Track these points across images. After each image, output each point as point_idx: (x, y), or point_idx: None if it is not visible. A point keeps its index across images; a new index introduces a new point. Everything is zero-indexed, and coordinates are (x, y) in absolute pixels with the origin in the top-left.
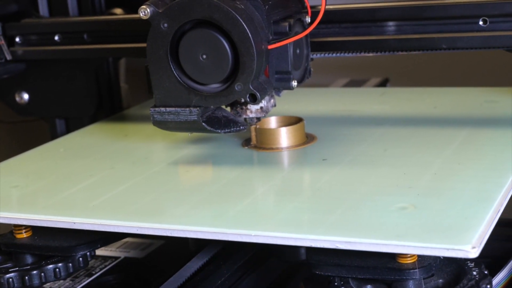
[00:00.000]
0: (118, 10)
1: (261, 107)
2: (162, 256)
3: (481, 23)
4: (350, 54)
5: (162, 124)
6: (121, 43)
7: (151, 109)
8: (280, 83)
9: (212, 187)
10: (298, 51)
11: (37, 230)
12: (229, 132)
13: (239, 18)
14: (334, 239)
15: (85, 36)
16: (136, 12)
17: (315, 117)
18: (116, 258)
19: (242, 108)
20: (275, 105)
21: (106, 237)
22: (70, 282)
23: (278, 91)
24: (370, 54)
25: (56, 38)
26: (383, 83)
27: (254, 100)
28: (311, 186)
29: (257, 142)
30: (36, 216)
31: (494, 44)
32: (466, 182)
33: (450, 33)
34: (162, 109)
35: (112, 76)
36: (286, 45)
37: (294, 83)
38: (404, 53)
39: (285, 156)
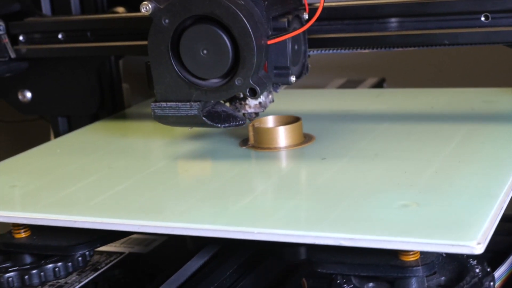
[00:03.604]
0: (120, 9)
1: (260, 102)
2: (166, 251)
3: (483, 18)
4: (351, 51)
5: (163, 119)
6: (124, 41)
7: (152, 104)
8: (279, 78)
9: (211, 186)
10: (296, 47)
11: (35, 230)
12: (229, 126)
13: (239, 13)
14: (337, 236)
15: (88, 34)
16: (138, 10)
17: (312, 117)
18: (120, 253)
19: (241, 103)
20: (273, 101)
21: (105, 236)
22: (77, 276)
23: (276, 87)
24: (372, 51)
25: (60, 36)
26: (379, 83)
27: (254, 94)
28: (311, 184)
29: (255, 142)
30: (36, 214)
31: (495, 39)
32: (468, 179)
33: (452, 29)
34: (163, 104)
35: (114, 75)
36: (284, 40)
37: (293, 78)
38: (405, 49)
39: (284, 155)
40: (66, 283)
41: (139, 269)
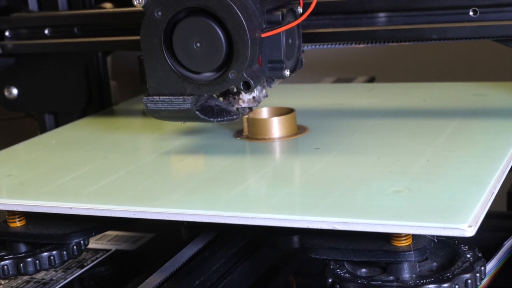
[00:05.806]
0: (107, 4)
1: (253, 97)
2: (153, 248)
3: (471, 13)
4: (340, 46)
5: (156, 113)
6: (111, 36)
7: (144, 98)
8: (273, 72)
9: (205, 175)
10: (290, 41)
11: (30, 219)
12: (222, 121)
13: (233, 5)
14: (331, 220)
15: (75, 29)
16: (125, 6)
17: (306, 110)
18: (107, 250)
19: (234, 98)
20: (267, 96)
21: (100, 224)
22: (62, 273)
23: (270, 81)
24: (360, 46)
25: (46, 32)
26: (369, 82)
27: (248, 87)
28: (305, 173)
29: (249, 133)
30: (32, 202)
31: (483, 34)
32: (459, 168)
33: (440, 24)
34: (156, 98)
35: (101, 71)
36: (279, 34)
37: (287, 72)
38: (394, 45)
39: (278, 146)
40: (51, 279)
41: (125, 266)
